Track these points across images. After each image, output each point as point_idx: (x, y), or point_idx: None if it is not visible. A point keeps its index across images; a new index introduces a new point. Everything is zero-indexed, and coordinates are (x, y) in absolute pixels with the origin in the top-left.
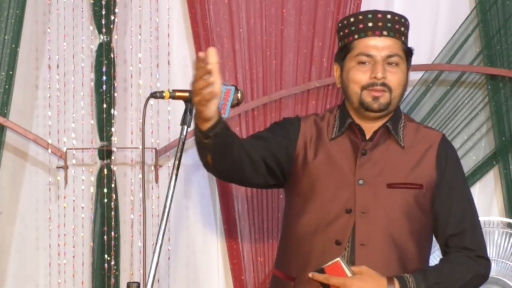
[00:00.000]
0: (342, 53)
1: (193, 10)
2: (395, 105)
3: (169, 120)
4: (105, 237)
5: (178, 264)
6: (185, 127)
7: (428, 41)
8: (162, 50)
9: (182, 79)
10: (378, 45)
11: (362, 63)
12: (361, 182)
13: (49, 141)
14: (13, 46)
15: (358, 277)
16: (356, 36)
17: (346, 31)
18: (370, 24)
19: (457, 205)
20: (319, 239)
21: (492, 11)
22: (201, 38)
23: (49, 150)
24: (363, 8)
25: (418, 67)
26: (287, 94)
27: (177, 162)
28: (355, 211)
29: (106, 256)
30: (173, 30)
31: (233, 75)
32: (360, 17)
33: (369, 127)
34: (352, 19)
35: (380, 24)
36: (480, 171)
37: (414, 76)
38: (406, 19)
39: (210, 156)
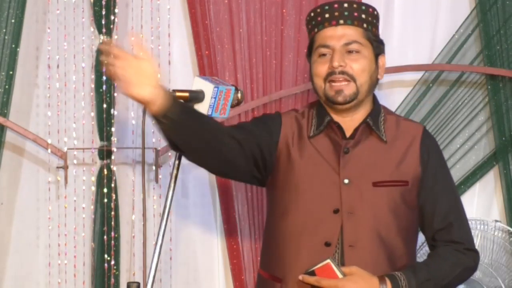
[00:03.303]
0: (308, 50)
1: (193, 10)
2: (364, 94)
3: None
4: (105, 237)
5: (178, 264)
6: None
7: (428, 41)
8: (162, 50)
9: (183, 79)
10: (335, 34)
11: (323, 55)
12: (346, 181)
13: (49, 141)
14: (13, 46)
15: (349, 278)
16: (316, 30)
17: (309, 26)
18: (327, 16)
19: (442, 198)
20: (307, 240)
21: (492, 11)
22: (201, 38)
23: (49, 150)
24: None
25: (418, 67)
26: (287, 94)
27: (177, 162)
28: (342, 212)
29: (106, 256)
30: (174, 30)
31: (233, 75)
32: (319, 10)
33: (349, 124)
34: (312, 14)
35: (336, 13)
36: (480, 171)
37: (414, 76)
38: (369, 6)
39: (171, 140)
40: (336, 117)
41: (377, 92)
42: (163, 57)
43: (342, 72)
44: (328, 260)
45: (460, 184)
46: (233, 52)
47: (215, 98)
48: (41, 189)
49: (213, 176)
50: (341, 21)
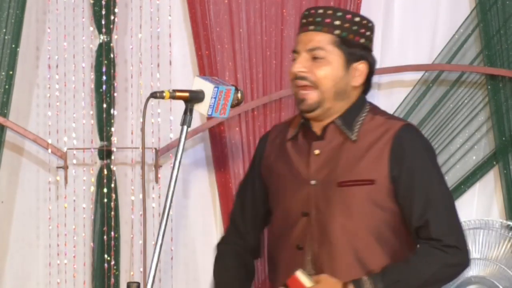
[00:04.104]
0: None
1: (193, 10)
2: (331, 101)
3: (169, 120)
4: (105, 237)
5: (178, 264)
6: (185, 127)
7: (428, 41)
8: (162, 50)
9: (183, 79)
10: (303, 40)
11: (294, 60)
12: (313, 182)
13: (49, 141)
14: (13, 46)
15: (314, 286)
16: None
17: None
18: (304, 21)
19: (419, 196)
20: (284, 246)
21: (492, 11)
22: (201, 38)
23: (49, 150)
24: (363, 8)
25: (418, 67)
26: (287, 94)
27: (177, 162)
28: (311, 214)
29: (106, 256)
30: (173, 30)
31: (233, 75)
32: (302, 15)
33: (320, 125)
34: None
35: (310, 19)
36: (480, 171)
37: (414, 76)
38: (347, 13)
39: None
40: (312, 121)
41: (377, 92)
42: (163, 57)
43: (302, 78)
44: (297, 272)
45: (460, 184)
46: (233, 52)
47: (215, 98)
48: (41, 189)
49: (213, 176)
50: (311, 27)
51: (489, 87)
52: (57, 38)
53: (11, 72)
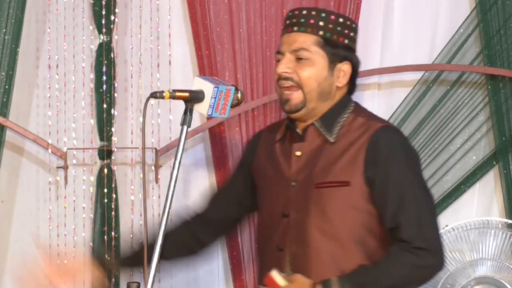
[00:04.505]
0: None
1: (193, 10)
2: (315, 102)
3: (169, 120)
4: (105, 237)
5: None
6: (185, 127)
7: (428, 41)
8: (162, 50)
9: (182, 79)
10: (288, 40)
11: (278, 61)
12: (293, 184)
13: (49, 141)
14: (13, 46)
15: (288, 285)
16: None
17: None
18: (287, 22)
19: (392, 198)
20: (267, 247)
21: (492, 11)
22: (201, 38)
23: (49, 150)
24: (363, 8)
25: (418, 67)
26: None
27: (177, 162)
28: (290, 215)
29: (106, 256)
30: (173, 30)
31: (233, 75)
32: (286, 16)
33: (303, 126)
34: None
35: (294, 20)
36: (480, 171)
37: (414, 76)
38: (331, 14)
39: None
40: (296, 122)
41: (377, 92)
42: (163, 57)
43: (287, 78)
44: (271, 271)
45: (460, 184)
46: (233, 52)
47: (215, 98)
48: (41, 189)
49: (213, 176)
50: (295, 28)
51: (489, 87)
52: (57, 38)
53: (11, 72)
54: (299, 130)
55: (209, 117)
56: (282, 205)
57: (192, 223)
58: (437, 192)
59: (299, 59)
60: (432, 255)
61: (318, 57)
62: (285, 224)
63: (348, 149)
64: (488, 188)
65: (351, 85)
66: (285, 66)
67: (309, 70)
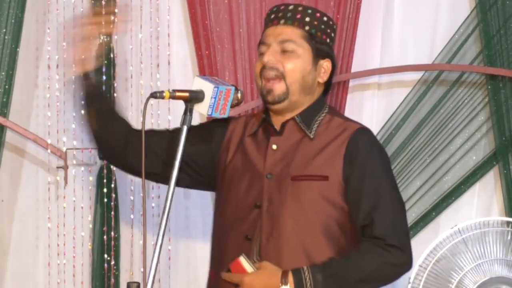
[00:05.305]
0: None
1: (193, 10)
2: (297, 94)
3: (169, 120)
4: (105, 237)
5: (178, 264)
6: (185, 127)
7: (428, 41)
8: (162, 50)
9: (182, 79)
10: (274, 32)
11: (262, 54)
12: (269, 176)
13: (49, 141)
14: (13, 46)
15: (254, 272)
16: (264, 31)
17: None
18: (272, 16)
19: (368, 196)
20: (233, 236)
21: (492, 11)
22: (201, 38)
23: (49, 150)
24: (363, 8)
25: (418, 67)
26: None
27: (177, 162)
28: (263, 206)
29: (106, 256)
30: (173, 30)
31: (233, 75)
32: (269, 12)
33: (280, 120)
34: (265, 16)
35: (280, 14)
36: (480, 171)
37: (414, 76)
38: (317, 12)
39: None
40: (274, 116)
41: (377, 92)
42: (163, 57)
43: (272, 68)
44: (240, 257)
45: (460, 184)
46: (233, 52)
47: (215, 98)
48: (40, 189)
49: None
50: (282, 21)
51: (489, 87)
52: (57, 38)
53: (11, 72)
54: (276, 125)
55: (209, 117)
56: (254, 196)
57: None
58: (437, 192)
59: (284, 51)
60: (403, 254)
61: (303, 50)
62: (256, 214)
63: (328, 146)
64: (488, 188)
65: (327, 86)
66: (271, 56)
67: (294, 62)
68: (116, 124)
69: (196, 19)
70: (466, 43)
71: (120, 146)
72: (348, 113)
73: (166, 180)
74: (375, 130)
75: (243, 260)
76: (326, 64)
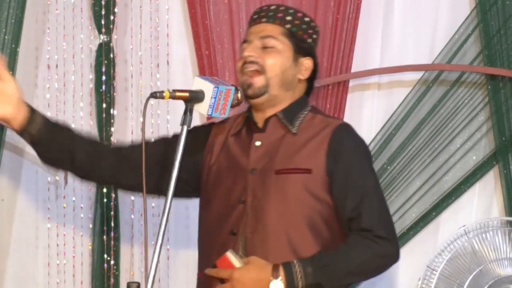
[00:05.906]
0: None
1: (193, 10)
2: (277, 88)
3: (168, 120)
4: (105, 237)
5: (178, 264)
6: (185, 127)
7: (428, 41)
8: (162, 50)
9: (182, 79)
10: (255, 30)
11: (244, 50)
12: (252, 171)
13: None
14: (13, 46)
15: (244, 267)
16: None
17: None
18: (255, 17)
19: (354, 189)
20: (219, 234)
21: (492, 11)
22: (201, 38)
23: None
24: (363, 8)
25: (418, 67)
26: None
27: (177, 162)
28: (247, 201)
29: (106, 256)
30: (173, 30)
31: (233, 75)
32: (253, 13)
33: (263, 117)
34: (249, 19)
35: (262, 14)
36: (480, 171)
37: (414, 76)
38: (299, 12)
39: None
40: (256, 114)
41: (377, 92)
42: (163, 57)
43: (252, 62)
44: (227, 252)
45: (460, 184)
46: (233, 52)
47: (215, 98)
48: (40, 189)
49: None
50: (264, 20)
51: (489, 87)
52: (56, 38)
53: (11, 72)
54: (259, 122)
55: (209, 117)
56: (239, 192)
57: (101, 146)
58: (437, 192)
59: (265, 47)
60: (391, 245)
61: (284, 47)
62: (241, 210)
63: (310, 141)
64: (488, 188)
65: (310, 87)
66: (252, 52)
67: (274, 57)
68: (83, 152)
69: (196, 19)
70: (466, 43)
71: (107, 167)
72: (348, 113)
73: (158, 192)
74: (375, 130)
75: (230, 256)
76: (307, 62)
